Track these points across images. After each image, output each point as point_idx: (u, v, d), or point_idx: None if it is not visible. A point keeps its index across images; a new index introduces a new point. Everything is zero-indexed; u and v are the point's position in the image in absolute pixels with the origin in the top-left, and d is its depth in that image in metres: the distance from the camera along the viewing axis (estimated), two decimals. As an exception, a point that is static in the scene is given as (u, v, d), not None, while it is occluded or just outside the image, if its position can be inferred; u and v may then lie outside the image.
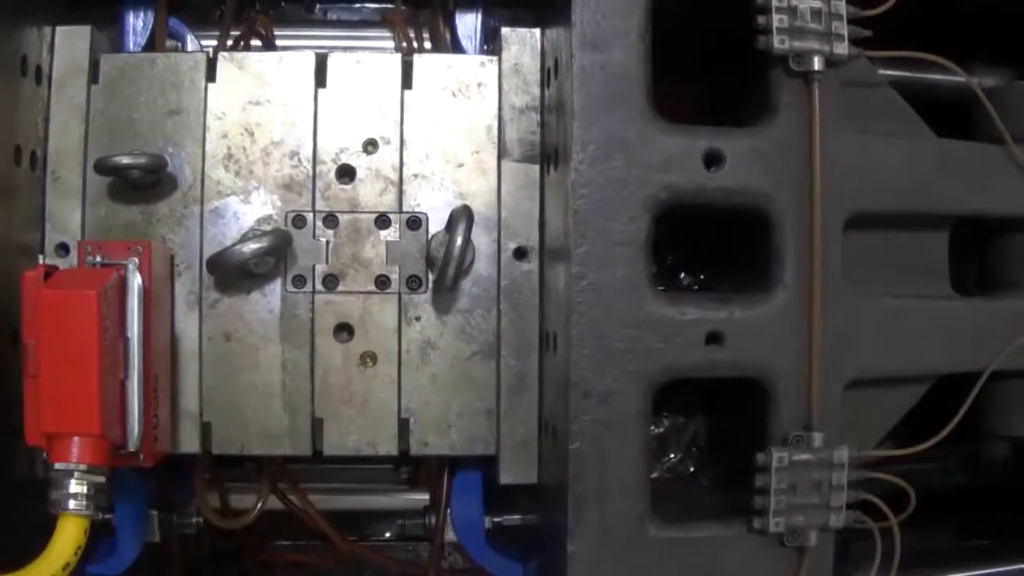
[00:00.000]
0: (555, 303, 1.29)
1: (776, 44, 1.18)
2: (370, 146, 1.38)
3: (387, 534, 1.81)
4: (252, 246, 1.27)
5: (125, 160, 1.28)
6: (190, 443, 1.34)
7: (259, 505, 1.50)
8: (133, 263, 1.17)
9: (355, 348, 1.37)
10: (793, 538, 1.20)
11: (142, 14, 1.47)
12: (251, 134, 1.35)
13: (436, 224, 1.37)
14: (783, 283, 1.20)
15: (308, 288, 1.35)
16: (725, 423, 1.42)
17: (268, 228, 1.34)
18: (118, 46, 1.45)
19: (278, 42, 1.53)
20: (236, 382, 1.35)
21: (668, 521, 1.21)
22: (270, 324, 1.34)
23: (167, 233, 1.34)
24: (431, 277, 1.37)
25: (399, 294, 1.37)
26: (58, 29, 1.35)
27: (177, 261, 1.33)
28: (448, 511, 1.49)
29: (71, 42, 1.35)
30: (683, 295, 1.23)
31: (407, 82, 1.39)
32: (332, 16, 1.77)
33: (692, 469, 1.51)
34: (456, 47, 1.51)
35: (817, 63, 1.18)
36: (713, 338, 1.19)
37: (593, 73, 1.17)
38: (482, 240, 1.36)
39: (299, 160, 1.35)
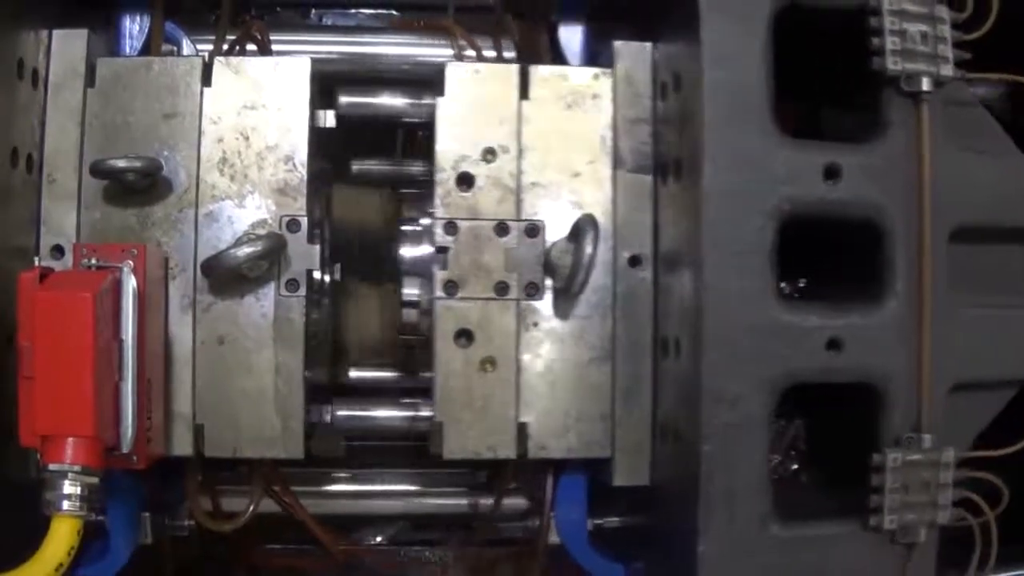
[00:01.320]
0: (678, 310, 1.33)
1: (890, 65, 1.25)
2: (489, 155, 1.39)
3: (378, 538, 1.81)
4: (246, 250, 1.28)
5: (121, 163, 1.28)
6: (183, 446, 1.35)
7: (251, 508, 1.50)
8: (128, 266, 1.18)
9: (475, 353, 1.39)
10: (903, 535, 1.26)
11: (138, 18, 1.48)
12: (246, 138, 1.36)
13: (552, 232, 1.39)
14: (895, 292, 1.26)
15: (301, 292, 1.35)
16: (827, 426, 1.46)
17: (262, 232, 1.34)
18: (114, 50, 1.46)
19: (273, 47, 1.53)
20: (229, 385, 1.35)
21: (786, 520, 1.26)
22: (263, 328, 1.35)
23: (162, 236, 1.34)
24: (548, 284, 1.39)
25: (518, 300, 1.40)
26: (55, 32, 1.35)
27: (172, 264, 1.34)
28: (552, 514, 1.51)
29: (68, 46, 1.35)
30: (805, 304, 1.28)
31: (524, 92, 1.41)
32: (327, 21, 1.78)
33: (795, 468, 1.53)
34: (559, 60, 1.54)
35: (926, 84, 1.25)
36: (832, 344, 1.24)
37: (722, 89, 1.23)
38: (598, 248, 1.37)
39: (294, 165, 1.36)
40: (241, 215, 1.35)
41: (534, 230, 1.40)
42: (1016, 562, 1.48)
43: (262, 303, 1.35)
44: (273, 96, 1.37)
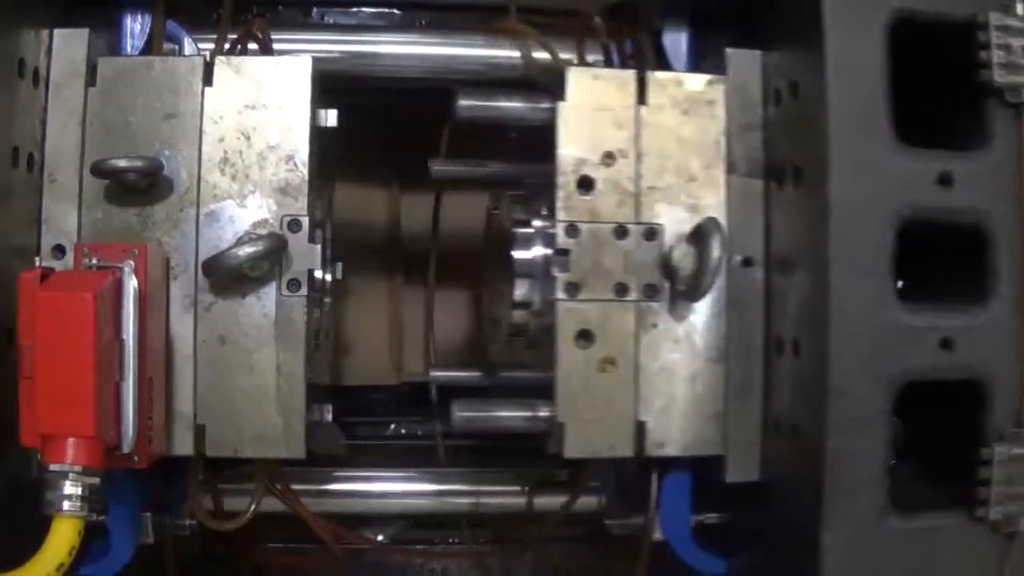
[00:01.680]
0: (796, 310, 1.36)
1: (996, 78, 1.28)
2: (608, 159, 1.41)
3: (380, 537, 1.82)
4: (248, 250, 1.28)
5: (122, 163, 1.28)
6: (184, 445, 1.34)
7: (252, 507, 1.51)
8: (129, 266, 1.18)
9: (595, 353, 1.40)
10: (1007, 524, 1.30)
11: (140, 17, 1.48)
12: (247, 138, 1.35)
13: (669, 235, 1.41)
14: (999, 295, 1.30)
15: (302, 292, 1.35)
16: (927, 422, 1.50)
17: (264, 232, 1.34)
18: (115, 49, 1.46)
19: (275, 46, 1.53)
20: (230, 385, 1.35)
21: (902, 513, 1.30)
22: (265, 327, 1.35)
23: (163, 236, 1.34)
24: (666, 286, 1.41)
25: (637, 302, 1.41)
26: (56, 32, 1.35)
27: (173, 264, 1.33)
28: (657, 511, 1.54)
29: (69, 45, 1.35)
30: (919, 304, 1.31)
31: (642, 98, 1.43)
32: (329, 20, 1.78)
33: (892, 463, 1.55)
34: (664, 65, 1.55)
35: None
36: (945, 344, 1.28)
37: (845, 98, 1.26)
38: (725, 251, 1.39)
39: (295, 164, 1.36)
40: (242, 215, 1.35)
41: (652, 233, 1.42)
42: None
43: (264, 303, 1.35)
44: (274, 95, 1.36)
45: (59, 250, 1.32)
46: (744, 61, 1.45)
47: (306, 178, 1.36)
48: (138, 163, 1.28)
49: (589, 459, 1.51)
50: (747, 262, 1.44)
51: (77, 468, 1.09)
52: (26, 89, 1.30)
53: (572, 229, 1.40)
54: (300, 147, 1.36)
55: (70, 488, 1.09)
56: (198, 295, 1.34)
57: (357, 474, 1.76)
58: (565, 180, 1.40)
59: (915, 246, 1.37)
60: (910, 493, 1.41)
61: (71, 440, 1.09)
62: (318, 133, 1.41)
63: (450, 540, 1.89)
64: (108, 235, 1.33)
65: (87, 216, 1.33)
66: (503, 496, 1.77)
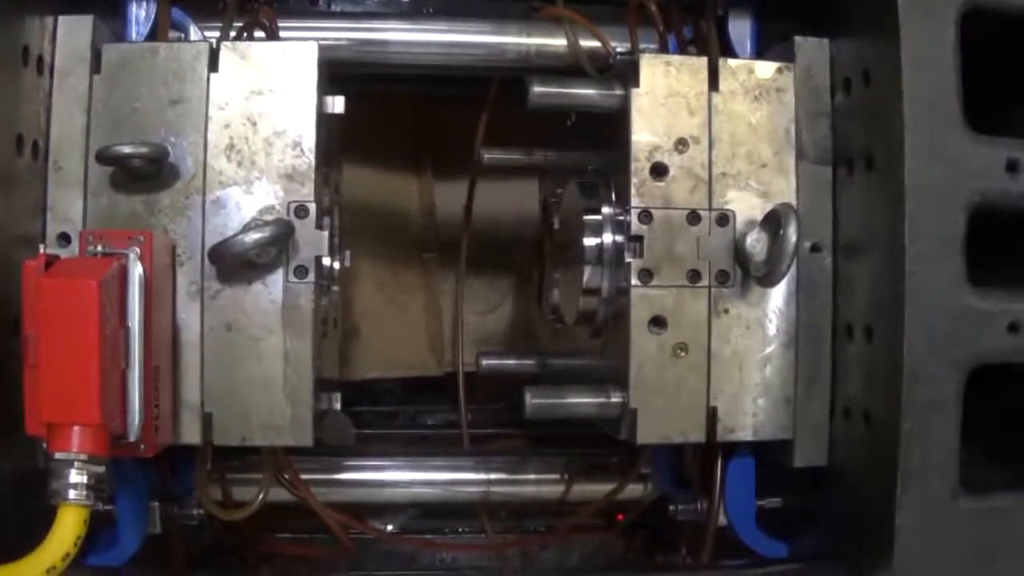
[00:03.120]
0: (866, 296, 1.38)
1: None
2: (681, 145, 1.41)
3: (390, 526, 1.82)
4: (254, 236, 1.27)
5: (127, 150, 1.27)
6: (191, 434, 1.34)
7: (261, 497, 1.50)
8: (134, 253, 1.17)
9: (668, 339, 1.40)
10: None
11: (145, 4, 1.46)
12: (253, 124, 1.35)
13: (741, 221, 1.42)
14: None
15: (310, 278, 1.34)
16: (986, 404, 1.50)
17: (270, 218, 1.33)
18: (120, 36, 1.44)
19: (282, 33, 1.52)
20: (237, 373, 1.34)
21: (973, 494, 1.32)
22: (272, 314, 1.34)
23: (169, 223, 1.33)
24: (738, 272, 1.41)
25: (709, 288, 1.41)
26: (60, 19, 1.34)
27: (179, 251, 1.33)
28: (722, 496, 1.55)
29: (73, 32, 1.34)
30: (988, 289, 1.34)
31: (714, 84, 1.43)
32: (336, 8, 1.77)
33: None
34: (729, 52, 1.55)
35: None
36: (1013, 328, 1.31)
37: (920, 86, 1.29)
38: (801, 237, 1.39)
39: (301, 150, 1.35)
40: (249, 201, 1.34)
41: (724, 219, 1.42)
42: None
43: (270, 290, 1.34)
44: (281, 81, 1.35)
45: (64, 238, 1.32)
46: (812, 49, 1.46)
47: (313, 164, 1.35)
48: (143, 150, 1.28)
49: (659, 444, 1.52)
50: (815, 248, 1.44)
51: (83, 456, 1.08)
52: (30, 76, 1.30)
53: (645, 215, 1.40)
54: (307, 133, 1.35)
55: (76, 476, 1.08)
56: (204, 282, 1.33)
57: (366, 463, 1.76)
58: (639, 166, 1.40)
59: (980, 232, 1.40)
60: (976, 474, 1.43)
61: (76, 428, 1.08)
62: (327, 119, 1.40)
63: (459, 530, 1.89)
64: (113, 222, 1.32)
65: (92, 203, 1.33)
66: (539, 484, 1.80)
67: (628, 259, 1.41)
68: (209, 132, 1.34)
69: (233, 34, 1.48)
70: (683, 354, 1.41)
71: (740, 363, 1.43)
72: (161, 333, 1.24)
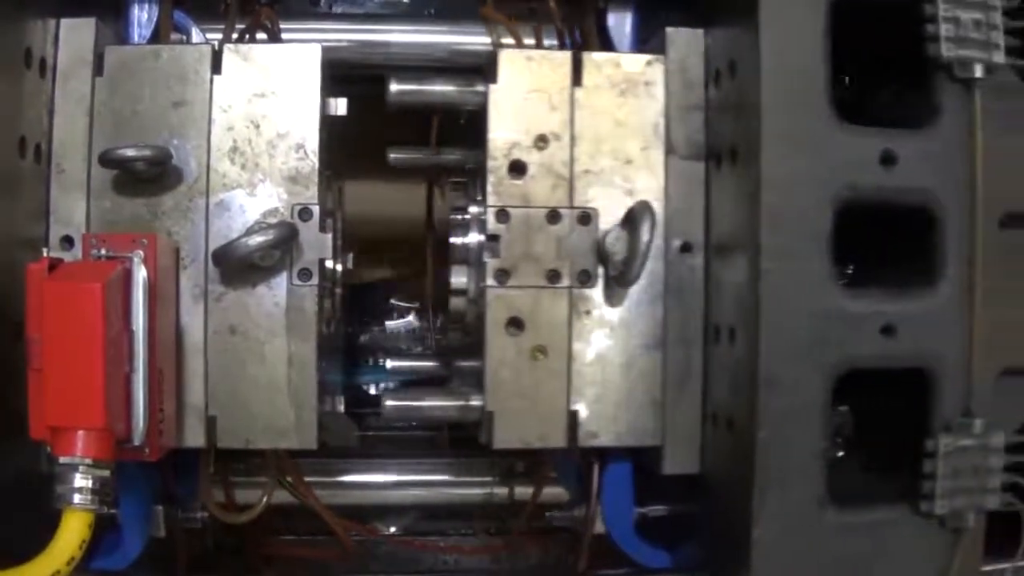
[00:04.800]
0: (731, 297, 1.33)
1: (943, 52, 1.25)
2: (541, 142, 1.38)
3: (393, 528, 1.81)
4: (258, 239, 1.27)
5: (130, 152, 1.27)
6: (195, 437, 1.33)
7: (265, 500, 1.50)
8: (138, 256, 1.16)
9: (526, 341, 1.38)
10: (953, 520, 1.27)
11: (147, 6, 1.47)
12: (257, 127, 1.34)
13: (605, 220, 1.38)
14: (947, 277, 1.26)
15: (313, 281, 1.34)
16: (875, 411, 1.47)
17: (274, 221, 1.33)
18: (123, 38, 1.44)
19: (283, 35, 1.52)
20: (241, 376, 1.34)
21: (839, 506, 1.26)
22: (276, 317, 1.33)
23: (172, 226, 1.33)
24: (600, 272, 1.38)
25: (569, 288, 1.39)
26: (62, 21, 1.34)
27: (182, 254, 1.32)
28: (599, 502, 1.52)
29: (75, 34, 1.34)
30: (859, 290, 1.28)
31: (577, 79, 1.40)
32: (337, 9, 1.77)
33: (840, 454, 1.53)
34: (607, 45, 1.53)
35: (978, 70, 1.25)
36: (887, 330, 1.25)
37: (781, 74, 1.23)
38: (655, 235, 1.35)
39: (305, 153, 1.34)
40: (252, 204, 1.34)
41: (586, 218, 1.39)
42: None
43: (274, 293, 1.34)
44: (284, 83, 1.35)
45: (67, 241, 1.32)
46: (686, 41, 1.42)
47: (316, 166, 1.35)
48: (146, 152, 1.27)
49: (519, 449, 1.47)
50: (686, 247, 1.40)
51: (87, 461, 1.08)
52: (33, 79, 1.29)
53: (502, 214, 1.37)
54: (310, 135, 1.35)
55: (80, 481, 1.08)
56: (208, 285, 1.33)
57: (370, 465, 1.76)
58: (495, 164, 1.38)
59: (872, 230, 1.34)
60: (860, 486, 1.39)
61: (81, 432, 1.08)
62: (328, 122, 1.39)
63: (463, 532, 1.88)
64: (117, 225, 1.32)
65: (95, 206, 1.33)
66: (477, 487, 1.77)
67: (485, 259, 1.38)
68: (212, 134, 1.34)
69: (235, 36, 1.49)
70: (542, 356, 1.38)
71: (603, 366, 1.40)
72: (165, 336, 1.23)
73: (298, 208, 1.34)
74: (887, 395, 1.36)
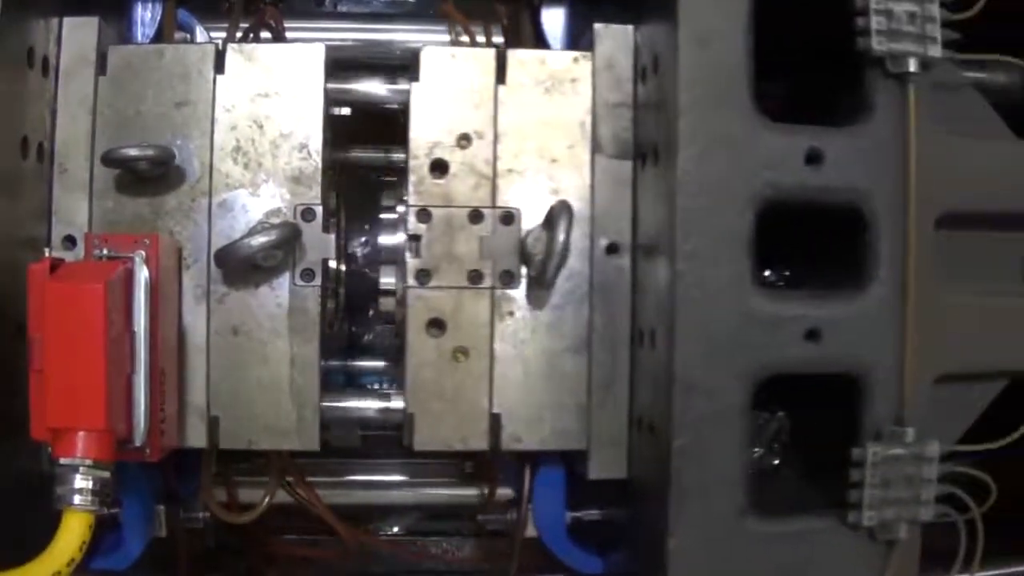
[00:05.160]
0: (653, 299, 1.30)
1: (875, 46, 1.21)
2: (463, 140, 1.37)
3: (395, 528, 1.81)
4: (260, 239, 1.26)
5: (133, 152, 1.27)
6: (197, 438, 1.33)
7: (266, 500, 1.49)
8: (140, 256, 1.16)
9: (447, 342, 1.37)
10: (884, 531, 1.23)
11: (150, 5, 1.47)
12: (260, 126, 1.34)
13: (529, 219, 1.37)
14: (878, 279, 1.23)
15: (316, 282, 1.34)
16: (809, 418, 1.45)
17: (277, 221, 1.33)
18: (126, 37, 1.44)
19: (288, 35, 1.52)
20: (244, 376, 1.34)
21: (763, 515, 1.23)
22: (278, 318, 1.33)
23: (175, 226, 1.33)
24: (524, 272, 1.37)
25: (492, 289, 1.38)
26: (65, 20, 1.33)
27: (185, 254, 1.32)
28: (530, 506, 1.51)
29: (78, 34, 1.34)
30: (783, 292, 1.27)
31: (501, 77, 1.39)
32: (342, 8, 1.76)
33: (776, 463, 1.51)
34: (541, 43, 1.52)
35: (912, 65, 1.21)
36: (811, 335, 1.21)
37: (699, 70, 1.20)
38: (574, 235, 1.33)
39: (308, 153, 1.34)
40: (255, 204, 1.34)
41: (509, 218, 1.37)
42: (1005, 560, 1.45)
43: (277, 293, 1.34)
44: (287, 83, 1.35)
45: (70, 241, 1.31)
46: (615, 37, 1.40)
47: (320, 166, 1.34)
48: (149, 152, 1.27)
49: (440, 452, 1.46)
50: (612, 248, 1.38)
51: (88, 462, 1.08)
52: (35, 78, 1.29)
53: (424, 214, 1.36)
54: (314, 135, 1.35)
55: (81, 482, 1.07)
56: (211, 286, 1.33)
57: (372, 466, 1.75)
58: (417, 164, 1.37)
59: (810, 232, 1.32)
60: (794, 495, 1.37)
61: (81, 433, 1.07)
62: (331, 121, 1.39)
63: (464, 533, 1.88)
64: (119, 225, 1.32)
65: (98, 206, 1.32)
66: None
67: (407, 259, 1.37)
68: (215, 134, 1.34)
69: (239, 35, 1.48)
70: (463, 358, 1.37)
71: (527, 369, 1.38)
72: (167, 337, 1.23)
73: (301, 208, 1.34)
74: (824, 401, 1.34)
